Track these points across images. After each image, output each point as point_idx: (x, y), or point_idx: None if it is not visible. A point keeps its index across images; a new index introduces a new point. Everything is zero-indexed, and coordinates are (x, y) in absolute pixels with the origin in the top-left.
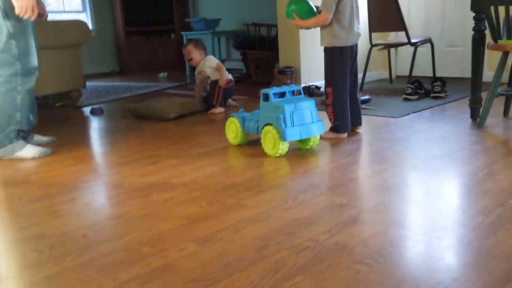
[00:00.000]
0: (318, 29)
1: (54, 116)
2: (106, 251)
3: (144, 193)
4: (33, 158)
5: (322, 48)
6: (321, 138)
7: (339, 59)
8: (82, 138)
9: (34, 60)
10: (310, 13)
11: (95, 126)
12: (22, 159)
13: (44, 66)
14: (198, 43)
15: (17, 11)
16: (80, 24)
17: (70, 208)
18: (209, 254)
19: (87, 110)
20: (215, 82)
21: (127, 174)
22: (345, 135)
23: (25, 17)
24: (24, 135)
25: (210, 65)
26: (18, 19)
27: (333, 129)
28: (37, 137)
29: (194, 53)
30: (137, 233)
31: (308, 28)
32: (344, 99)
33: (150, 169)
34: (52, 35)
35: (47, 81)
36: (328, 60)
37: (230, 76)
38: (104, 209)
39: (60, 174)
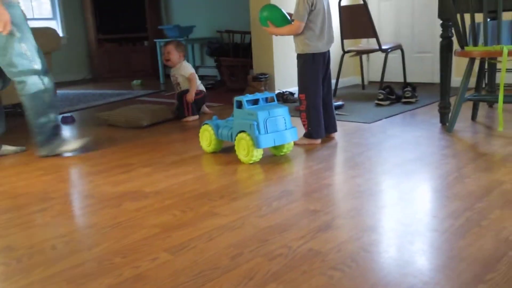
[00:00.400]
0: (292, 36)
1: (23, 125)
2: (77, 262)
3: (116, 202)
4: (77, 149)
5: (295, 55)
6: (295, 144)
7: (311, 66)
8: None
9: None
10: (283, 20)
11: (66, 135)
12: (68, 152)
13: None
14: (179, 45)
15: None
16: (50, 31)
17: (39, 219)
18: (182, 263)
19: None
20: (184, 92)
21: (99, 183)
22: (319, 141)
23: (4, 33)
24: None
25: (183, 72)
26: (23, 23)
27: (307, 135)
28: (5, 147)
29: (173, 54)
30: (108, 243)
31: (282, 35)
32: (317, 105)
33: (122, 178)
34: None
35: (14, 88)
36: (301, 67)
37: (201, 87)
38: (74, 219)
39: (30, 184)
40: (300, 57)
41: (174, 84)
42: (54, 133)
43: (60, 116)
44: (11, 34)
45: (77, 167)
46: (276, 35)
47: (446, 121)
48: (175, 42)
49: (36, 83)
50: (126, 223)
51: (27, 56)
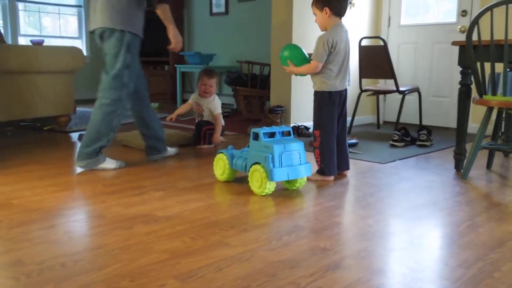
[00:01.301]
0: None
1: (42, 140)
2: (85, 282)
3: (127, 224)
4: (114, 169)
5: (313, 90)
6: (308, 180)
7: (327, 103)
8: (68, 164)
9: (137, 84)
10: (303, 59)
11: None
12: (104, 170)
13: (36, 89)
14: (217, 78)
15: (172, 45)
16: (75, 50)
17: (50, 236)
18: None
19: (74, 135)
20: (204, 123)
21: (112, 204)
22: (332, 178)
23: (177, 50)
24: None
25: (212, 107)
26: (134, 53)
27: (320, 171)
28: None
29: (215, 88)
30: (117, 266)
31: (301, 75)
32: (331, 142)
33: (135, 200)
34: (47, 60)
35: (38, 104)
36: (318, 104)
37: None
38: (85, 238)
39: (43, 199)
40: (317, 94)
41: (197, 112)
42: (99, 151)
43: (79, 133)
44: (125, 59)
45: (91, 186)
46: (295, 75)
47: (461, 168)
48: (217, 75)
49: (113, 105)
50: (136, 246)
51: (123, 81)
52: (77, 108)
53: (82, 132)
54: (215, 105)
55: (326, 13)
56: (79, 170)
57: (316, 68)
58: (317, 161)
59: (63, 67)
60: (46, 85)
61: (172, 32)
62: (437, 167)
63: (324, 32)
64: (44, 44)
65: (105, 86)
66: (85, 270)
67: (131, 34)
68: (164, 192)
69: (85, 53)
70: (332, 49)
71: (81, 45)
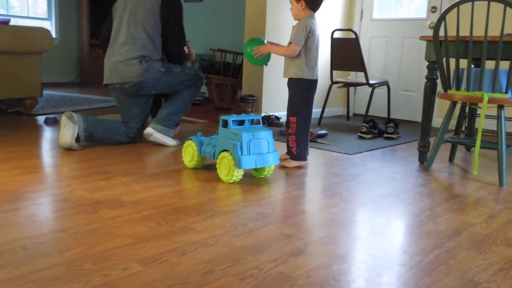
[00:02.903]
0: (281, 61)
1: (6, 122)
2: (46, 265)
3: (92, 208)
4: (174, 146)
5: (285, 80)
6: (284, 167)
7: (306, 91)
8: (34, 148)
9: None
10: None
11: (48, 136)
12: (166, 145)
13: (1, 70)
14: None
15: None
16: (43, 31)
17: (12, 219)
18: (152, 276)
19: (41, 118)
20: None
21: (76, 188)
22: (306, 162)
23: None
24: None
25: None
26: (172, 64)
27: (296, 157)
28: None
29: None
30: (80, 249)
31: (276, 53)
32: (307, 128)
33: (100, 185)
34: (13, 40)
35: (2, 86)
36: (295, 91)
37: None
38: (48, 222)
39: (6, 182)
40: (295, 81)
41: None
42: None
43: (44, 117)
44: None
45: (56, 170)
46: (271, 52)
47: (425, 160)
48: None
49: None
50: (100, 230)
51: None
52: (44, 91)
53: (49, 116)
54: None
55: (302, 5)
56: (44, 155)
57: (295, 51)
58: (292, 147)
59: (29, 48)
60: (12, 66)
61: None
62: (402, 159)
63: (298, 20)
64: (10, 21)
65: (183, 86)
66: (47, 253)
67: (161, 64)
68: (131, 178)
69: (54, 35)
70: (310, 34)
71: (49, 26)
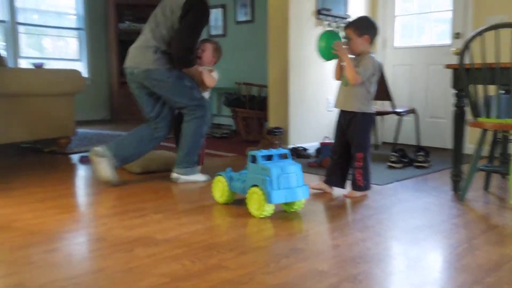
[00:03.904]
0: (307, 92)
1: (42, 162)
2: None
3: (128, 247)
4: (204, 182)
5: (314, 110)
6: (347, 196)
7: (370, 125)
8: (69, 187)
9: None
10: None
11: (83, 174)
12: (195, 182)
13: (37, 112)
14: (218, 49)
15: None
16: (75, 73)
17: (50, 259)
18: None
19: (75, 157)
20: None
21: (112, 227)
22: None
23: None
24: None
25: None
26: (187, 76)
27: (362, 188)
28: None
29: (208, 53)
30: None
31: (346, 66)
32: (370, 159)
33: (135, 223)
34: (48, 83)
35: (39, 126)
36: (365, 126)
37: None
38: (85, 261)
39: (44, 222)
40: (361, 116)
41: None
42: (195, 162)
43: (78, 155)
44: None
45: (91, 208)
46: (343, 57)
47: (458, 189)
48: (215, 43)
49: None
50: (136, 269)
51: (197, 97)
52: (78, 130)
53: (83, 154)
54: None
55: (367, 40)
56: (80, 193)
57: (357, 82)
58: (358, 180)
59: (63, 90)
60: (47, 107)
61: (207, 82)
62: (434, 188)
63: (356, 55)
64: (44, 66)
65: (186, 109)
66: None
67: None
68: (163, 215)
69: (85, 75)
70: (375, 71)
71: (81, 67)
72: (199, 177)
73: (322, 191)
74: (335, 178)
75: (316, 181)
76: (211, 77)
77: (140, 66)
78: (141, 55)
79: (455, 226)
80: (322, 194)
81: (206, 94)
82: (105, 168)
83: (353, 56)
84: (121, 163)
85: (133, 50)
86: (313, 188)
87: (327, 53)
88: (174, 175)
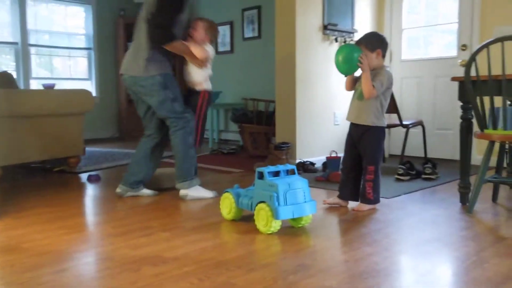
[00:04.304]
0: (314, 106)
1: (51, 181)
2: None
3: (135, 266)
4: (212, 198)
5: (322, 125)
6: (355, 210)
7: (383, 139)
8: (78, 206)
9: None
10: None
11: (91, 193)
12: (200, 199)
13: (47, 132)
14: (211, 27)
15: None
16: (85, 93)
17: (61, 280)
18: None
19: (84, 176)
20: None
21: (120, 246)
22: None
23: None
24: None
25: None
26: (175, 86)
27: (371, 202)
28: (144, 190)
29: (200, 31)
30: None
31: (364, 78)
32: (380, 173)
33: (142, 241)
34: (58, 103)
35: (48, 147)
36: (377, 139)
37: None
38: (94, 281)
39: (53, 243)
40: (374, 130)
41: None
42: (194, 173)
43: (87, 173)
44: (168, 95)
45: (99, 228)
46: (364, 68)
47: (466, 201)
48: (207, 21)
49: (184, 127)
50: None
51: (180, 111)
52: (86, 148)
53: (91, 173)
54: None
55: (379, 54)
56: (88, 213)
57: (372, 96)
58: (368, 193)
59: (73, 110)
60: (57, 127)
61: (196, 54)
62: (442, 201)
63: (383, 70)
64: (55, 86)
65: (168, 120)
66: None
67: (162, 75)
68: (171, 233)
69: (94, 94)
70: (390, 85)
71: (90, 86)
72: (207, 194)
73: (338, 205)
74: (348, 192)
75: (323, 195)
76: (200, 48)
77: (128, 73)
78: (130, 62)
79: (463, 239)
80: (329, 208)
81: (207, 72)
82: (143, 193)
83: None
84: (145, 181)
85: (126, 56)
86: (329, 203)
87: (347, 67)
88: (182, 192)
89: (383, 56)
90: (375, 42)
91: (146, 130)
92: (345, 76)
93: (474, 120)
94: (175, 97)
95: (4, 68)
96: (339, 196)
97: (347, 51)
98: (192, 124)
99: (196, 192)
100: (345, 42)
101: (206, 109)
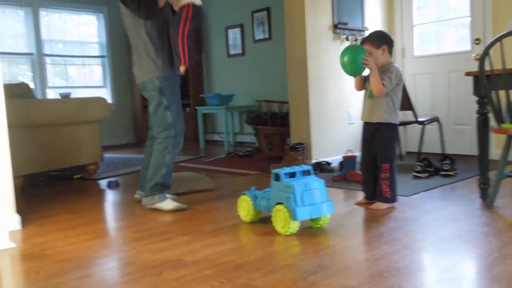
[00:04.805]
0: (328, 106)
1: (72, 189)
2: None
3: (157, 270)
4: (171, 211)
5: (336, 124)
6: (373, 209)
7: (395, 135)
8: (98, 212)
9: (183, 125)
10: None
11: (111, 199)
12: (161, 210)
13: (65, 140)
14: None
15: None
16: (101, 101)
17: (84, 285)
18: None
19: (103, 182)
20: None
21: (141, 250)
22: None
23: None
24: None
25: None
26: (171, 93)
27: (389, 200)
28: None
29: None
30: None
31: (372, 77)
32: (396, 171)
33: (163, 245)
34: (74, 112)
35: (67, 154)
36: (389, 136)
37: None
38: (117, 287)
39: (76, 249)
40: (386, 126)
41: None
42: (158, 190)
43: (107, 180)
44: (162, 102)
45: (120, 233)
46: (371, 68)
47: (486, 197)
48: (367, 42)
49: (164, 142)
50: None
51: (169, 122)
52: (104, 155)
53: (110, 179)
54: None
55: (384, 50)
56: (109, 218)
57: (382, 91)
58: (385, 192)
59: (90, 118)
60: (75, 135)
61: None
62: (462, 197)
63: (392, 66)
64: (71, 95)
65: (156, 129)
66: None
67: (159, 79)
68: (191, 236)
69: (110, 101)
70: (399, 81)
71: (106, 93)
72: (166, 205)
73: (365, 204)
74: (371, 191)
75: (341, 194)
76: None
77: (138, 80)
78: (137, 70)
79: (484, 235)
80: (347, 208)
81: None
82: (167, 206)
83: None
84: (161, 189)
85: (133, 66)
86: (358, 204)
87: (353, 68)
88: (142, 200)
89: (390, 53)
90: (380, 39)
91: (150, 132)
92: (353, 77)
93: (490, 115)
94: (169, 105)
95: (21, 79)
96: (365, 197)
97: (351, 53)
98: (179, 143)
99: (151, 205)
100: (356, 40)
101: (193, 25)
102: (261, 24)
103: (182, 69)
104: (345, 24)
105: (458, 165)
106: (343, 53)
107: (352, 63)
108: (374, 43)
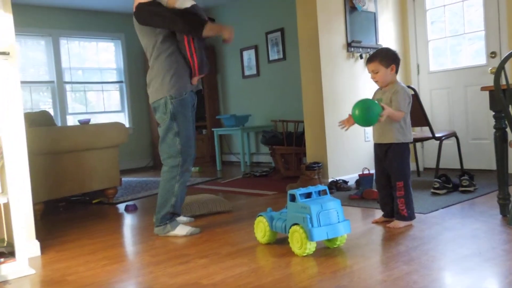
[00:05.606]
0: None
1: (91, 213)
2: None
3: None
4: (185, 236)
5: (352, 143)
6: (391, 228)
7: (408, 154)
8: (117, 236)
9: (193, 152)
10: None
11: (129, 223)
12: (175, 237)
13: (85, 166)
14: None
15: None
16: (119, 126)
17: None
18: None
19: (121, 206)
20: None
21: (159, 274)
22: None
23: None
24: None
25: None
26: (184, 118)
27: (406, 218)
28: (181, 218)
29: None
30: None
31: (393, 118)
32: (411, 188)
33: (180, 269)
34: (94, 138)
35: (86, 180)
36: (401, 156)
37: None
38: None
39: (96, 274)
40: (399, 146)
41: None
42: (168, 218)
43: (125, 204)
44: (173, 127)
45: (138, 257)
46: (391, 117)
47: (507, 213)
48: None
49: (172, 171)
50: None
51: (177, 149)
52: (122, 179)
53: (128, 203)
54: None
55: (393, 69)
56: (127, 243)
57: (402, 117)
58: (402, 210)
59: (108, 143)
60: (94, 161)
61: (225, 31)
62: (482, 213)
63: (397, 85)
64: (90, 120)
65: (163, 155)
66: None
67: (173, 100)
68: (208, 259)
69: (127, 125)
70: (409, 99)
71: (124, 117)
72: (179, 232)
73: (383, 222)
74: (389, 209)
75: (358, 213)
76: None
77: (151, 99)
78: (151, 91)
79: (505, 253)
80: (364, 227)
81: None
82: (181, 231)
83: (381, 88)
84: (173, 215)
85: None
86: (376, 222)
87: (367, 123)
88: (154, 229)
89: (396, 71)
90: (389, 58)
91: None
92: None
93: (508, 129)
94: (179, 130)
95: (42, 106)
96: (384, 215)
97: (367, 110)
98: (187, 170)
99: (165, 234)
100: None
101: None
102: (275, 45)
103: (194, 80)
104: (359, 42)
105: (477, 180)
106: (358, 108)
107: (367, 120)
108: (383, 62)
